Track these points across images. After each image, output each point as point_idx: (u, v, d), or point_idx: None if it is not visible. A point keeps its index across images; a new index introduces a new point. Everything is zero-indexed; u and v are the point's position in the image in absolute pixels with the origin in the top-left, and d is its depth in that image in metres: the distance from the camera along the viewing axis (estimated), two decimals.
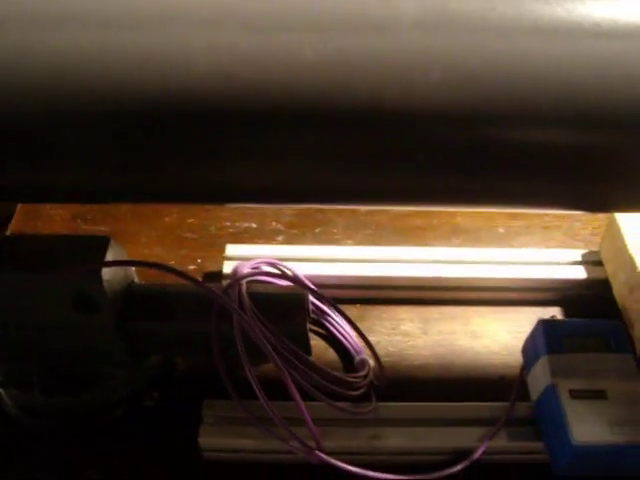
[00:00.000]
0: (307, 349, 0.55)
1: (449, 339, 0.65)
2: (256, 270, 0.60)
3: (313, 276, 0.66)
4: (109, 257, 0.53)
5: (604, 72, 0.36)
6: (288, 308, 0.54)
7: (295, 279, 0.64)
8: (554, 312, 0.66)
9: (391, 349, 0.64)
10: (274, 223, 0.74)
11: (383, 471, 0.52)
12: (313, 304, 0.64)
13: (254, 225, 0.74)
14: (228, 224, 0.74)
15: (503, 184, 0.40)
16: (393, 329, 0.65)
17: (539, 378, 0.55)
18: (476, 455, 0.53)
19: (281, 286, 0.59)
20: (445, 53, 0.35)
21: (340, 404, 0.54)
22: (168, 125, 0.36)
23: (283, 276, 0.64)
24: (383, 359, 0.63)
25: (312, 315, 0.64)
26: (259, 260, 0.63)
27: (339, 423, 0.56)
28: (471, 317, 0.66)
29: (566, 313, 0.67)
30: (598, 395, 0.53)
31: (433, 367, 0.63)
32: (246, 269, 0.58)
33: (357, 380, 0.56)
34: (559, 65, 0.36)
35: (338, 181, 0.40)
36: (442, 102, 0.36)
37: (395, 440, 0.55)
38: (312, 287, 0.64)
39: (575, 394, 0.53)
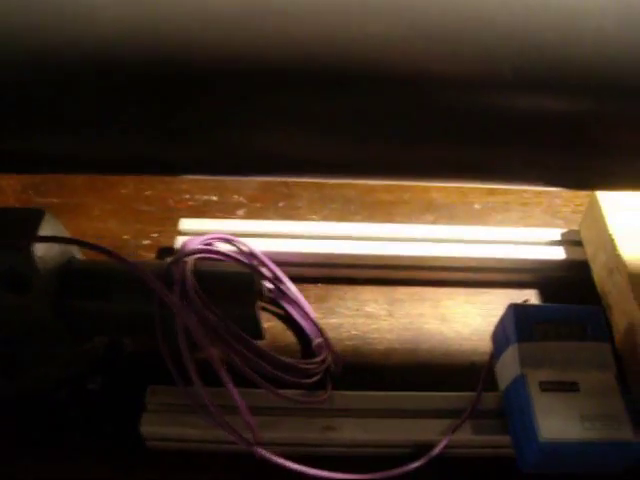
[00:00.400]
0: (257, 333, 0.50)
1: (416, 322, 0.60)
2: (207, 247, 0.55)
3: (273, 253, 0.62)
4: (44, 232, 0.49)
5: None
6: (236, 288, 0.50)
7: (250, 256, 0.60)
8: (529, 295, 0.62)
9: (354, 332, 0.60)
10: (236, 196, 0.70)
11: (338, 465, 0.48)
12: (271, 283, 0.60)
13: (215, 198, 0.69)
14: (187, 197, 0.70)
15: (475, 154, 0.36)
16: (357, 310, 0.61)
17: (508, 367, 0.51)
18: (437, 449, 0.49)
19: (231, 264, 0.55)
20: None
21: (290, 392, 0.50)
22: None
23: (236, 253, 0.59)
24: (345, 343, 0.59)
25: (269, 295, 0.60)
26: (213, 235, 0.59)
27: (291, 412, 0.52)
28: (441, 299, 0.62)
29: (543, 296, 0.62)
30: (570, 387, 0.49)
31: (398, 352, 0.58)
32: (194, 245, 0.54)
33: (312, 366, 0.52)
34: (524, 24, 0.32)
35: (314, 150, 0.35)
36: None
37: (350, 432, 0.51)
38: (270, 265, 0.60)
39: (545, 386, 0.49)
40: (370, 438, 0.51)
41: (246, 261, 0.59)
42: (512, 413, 0.50)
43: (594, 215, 0.62)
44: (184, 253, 0.49)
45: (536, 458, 0.47)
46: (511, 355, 0.51)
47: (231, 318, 0.48)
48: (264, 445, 0.47)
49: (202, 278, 0.49)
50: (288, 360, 0.50)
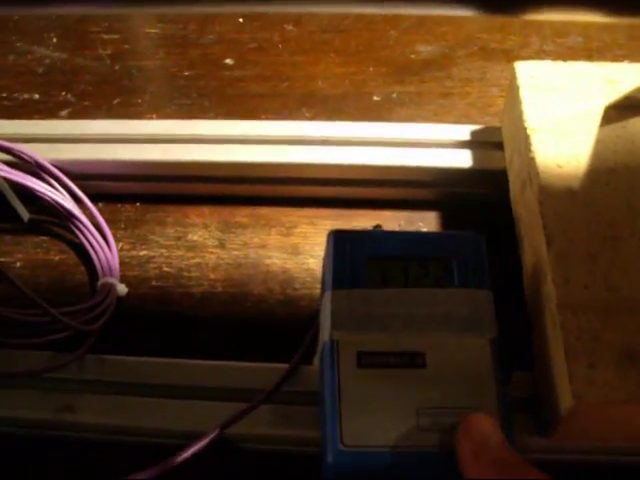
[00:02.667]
0: None
1: (254, 256, 0.43)
2: None
3: (73, 163, 0.45)
4: None
5: None
6: None
7: (36, 167, 0.44)
8: (414, 218, 0.43)
9: (166, 269, 0.43)
10: (64, 93, 0.53)
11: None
12: (58, 203, 0.44)
13: (37, 96, 0.53)
14: (4, 95, 0.53)
15: None
16: (177, 239, 0.44)
17: (323, 329, 0.34)
18: (203, 442, 0.33)
19: None
20: None
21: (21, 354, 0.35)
22: None
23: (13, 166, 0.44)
24: (150, 284, 0.42)
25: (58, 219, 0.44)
26: None
27: (24, 383, 0.36)
28: (297, 224, 0.45)
29: (442, 223, 0.44)
30: (410, 362, 0.32)
31: (217, 300, 0.42)
32: None
33: (67, 318, 0.36)
34: None
35: None
36: None
37: (94, 415, 0.35)
38: (63, 179, 0.44)
39: (367, 360, 0.32)
40: (120, 424, 0.35)
41: (18, 179, 0.43)
42: (321, 400, 0.32)
43: (512, 101, 0.42)
44: None
45: (333, 472, 0.30)
46: (324, 310, 0.34)
47: None
48: None
49: None
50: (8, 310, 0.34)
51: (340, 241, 0.34)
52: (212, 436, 0.33)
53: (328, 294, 0.33)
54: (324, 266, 0.35)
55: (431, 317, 0.32)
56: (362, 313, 0.32)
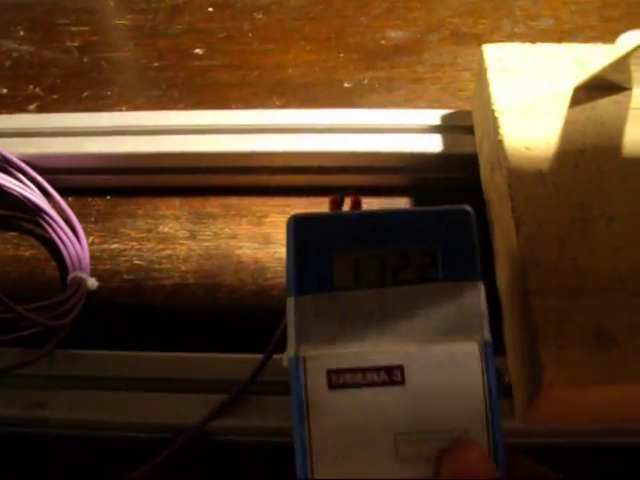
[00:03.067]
0: None
1: (225, 247, 0.43)
2: None
3: (42, 157, 0.45)
4: None
5: None
6: None
7: (3, 162, 0.43)
8: (387, 205, 0.43)
9: (137, 262, 0.43)
10: (32, 87, 0.52)
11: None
12: (26, 198, 0.43)
13: (5, 90, 0.52)
14: None
15: None
16: (148, 232, 0.44)
17: (288, 341, 0.29)
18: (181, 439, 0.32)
19: None
20: None
21: None
22: None
23: None
24: (121, 277, 0.42)
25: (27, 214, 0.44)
26: None
27: None
28: (268, 213, 0.44)
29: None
30: (387, 379, 0.27)
31: (188, 291, 0.41)
32: None
33: (29, 314, 0.36)
34: None
35: None
36: None
37: (64, 411, 0.34)
38: (31, 173, 0.44)
39: (339, 380, 0.27)
40: (91, 419, 0.34)
41: None
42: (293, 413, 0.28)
43: (481, 84, 0.42)
44: None
45: None
46: (288, 318, 0.29)
47: None
48: None
49: None
50: None
51: (302, 229, 0.30)
52: (188, 432, 0.32)
53: (290, 301, 0.28)
54: (286, 262, 0.30)
55: (411, 321, 0.28)
56: (331, 322, 0.28)
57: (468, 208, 0.29)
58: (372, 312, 0.28)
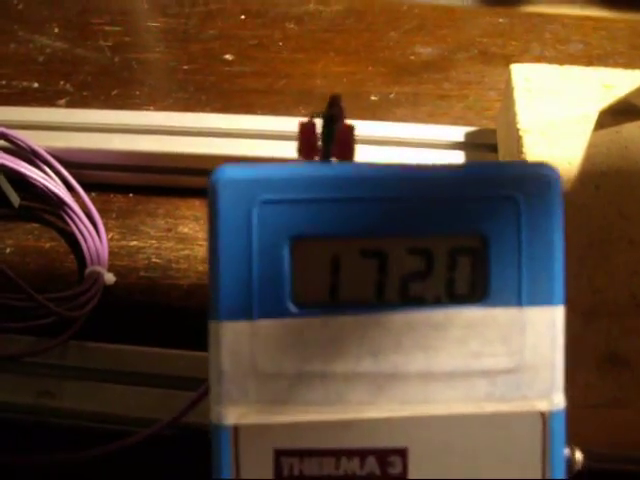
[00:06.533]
0: None
1: None
2: None
3: (68, 151, 0.46)
4: None
5: None
6: None
7: (31, 154, 0.44)
8: None
9: (155, 260, 0.43)
10: (63, 83, 0.53)
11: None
12: (50, 190, 0.44)
13: (36, 85, 0.53)
14: (3, 82, 0.54)
15: None
16: (168, 231, 0.44)
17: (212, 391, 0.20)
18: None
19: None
20: None
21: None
22: None
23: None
24: (138, 274, 0.42)
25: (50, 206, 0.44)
26: None
27: (2, 367, 0.36)
28: None
29: None
30: (364, 475, 0.17)
31: (206, 292, 0.41)
32: None
33: (48, 303, 0.36)
34: None
35: None
36: None
37: (71, 401, 0.35)
38: (57, 166, 0.44)
39: (291, 473, 0.17)
40: (98, 410, 0.34)
41: (11, 164, 0.43)
42: None
43: (506, 103, 0.42)
44: None
45: None
46: (211, 358, 0.20)
47: None
48: None
49: None
50: None
51: (234, 198, 0.18)
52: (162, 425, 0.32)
53: (215, 327, 0.18)
54: (209, 261, 0.20)
55: (426, 372, 0.17)
56: (286, 367, 0.17)
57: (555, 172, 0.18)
58: (358, 353, 0.17)
